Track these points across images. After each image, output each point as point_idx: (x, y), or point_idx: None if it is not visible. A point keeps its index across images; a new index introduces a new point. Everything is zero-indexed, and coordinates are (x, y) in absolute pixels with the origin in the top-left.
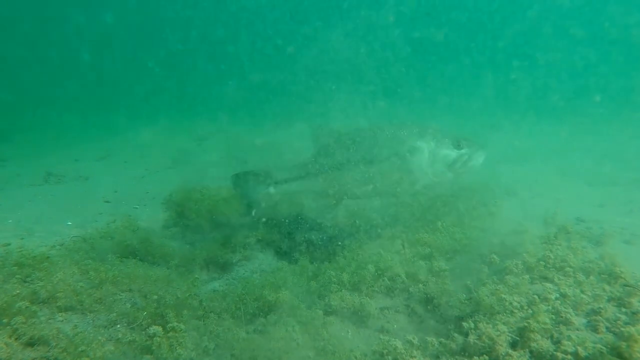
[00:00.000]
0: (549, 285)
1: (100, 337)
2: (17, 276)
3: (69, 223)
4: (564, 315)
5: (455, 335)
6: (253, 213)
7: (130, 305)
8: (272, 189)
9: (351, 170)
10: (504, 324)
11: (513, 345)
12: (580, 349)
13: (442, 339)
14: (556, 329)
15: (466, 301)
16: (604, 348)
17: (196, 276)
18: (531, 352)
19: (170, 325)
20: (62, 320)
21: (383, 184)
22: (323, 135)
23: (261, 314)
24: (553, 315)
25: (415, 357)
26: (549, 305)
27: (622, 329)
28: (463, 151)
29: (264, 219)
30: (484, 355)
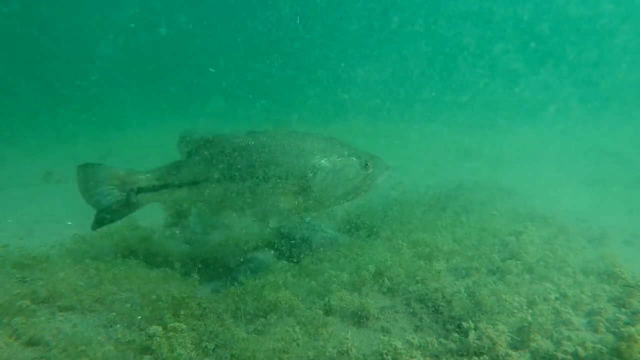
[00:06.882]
0: (549, 285)
1: (99, 337)
2: (17, 276)
3: (69, 223)
4: (564, 316)
5: (455, 335)
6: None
7: (129, 305)
8: (132, 197)
9: (242, 185)
10: (504, 324)
11: (513, 345)
12: (580, 349)
13: (442, 339)
14: (556, 329)
15: (466, 301)
16: (604, 348)
17: (196, 276)
18: (531, 352)
19: (169, 324)
20: (62, 320)
21: (272, 207)
22: (193, 140)
23: (261, 314)
24: (553, 316)
25: (415, 357)
26: (549, 306)
27: (622, 329)
28: (369, 172)
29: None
30: (484, 355)
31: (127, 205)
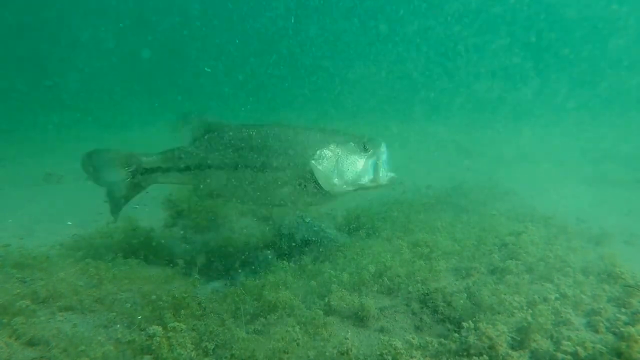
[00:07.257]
0: (549, 285)
1: (99, 337)
2: (17, 276)
3: (69, 223)
4: (564, 316)
5: (455, 335)
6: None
7: (129, 305)
8: (137, 178)
9: (242, 174)
10: (504, 324)
11: (513, 345)
12: (580, 349)
13: (442, 339)
14: (556, 329)
15: (466, 301)
16: (604, 348)
17: (196, 276)
18: (531, 352)
19: (169, 324)
20: (62, 320)
21: (273, 198)
22: (196, 126)
23: (261, 314)
24: (553, 316)
25: (415, 357)
26: (549, 306)
27: (622, 329)
28: (370, 152)
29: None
30: (484, 356)
31: (134, 186)
